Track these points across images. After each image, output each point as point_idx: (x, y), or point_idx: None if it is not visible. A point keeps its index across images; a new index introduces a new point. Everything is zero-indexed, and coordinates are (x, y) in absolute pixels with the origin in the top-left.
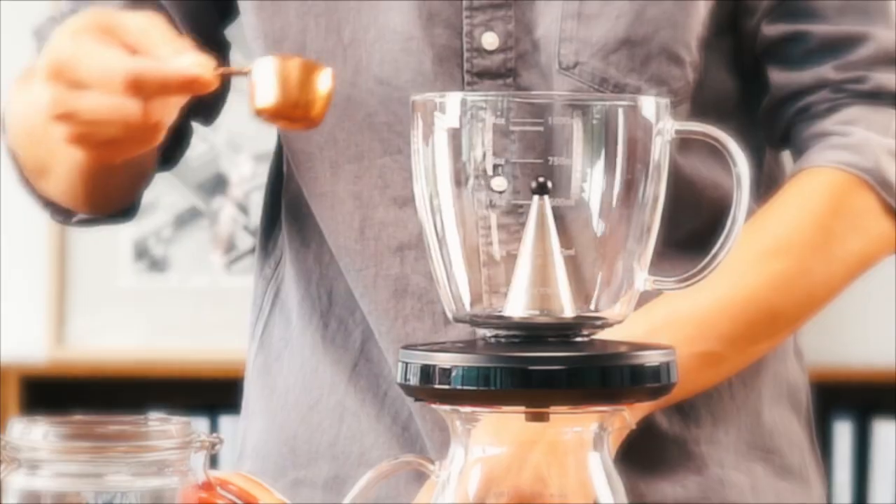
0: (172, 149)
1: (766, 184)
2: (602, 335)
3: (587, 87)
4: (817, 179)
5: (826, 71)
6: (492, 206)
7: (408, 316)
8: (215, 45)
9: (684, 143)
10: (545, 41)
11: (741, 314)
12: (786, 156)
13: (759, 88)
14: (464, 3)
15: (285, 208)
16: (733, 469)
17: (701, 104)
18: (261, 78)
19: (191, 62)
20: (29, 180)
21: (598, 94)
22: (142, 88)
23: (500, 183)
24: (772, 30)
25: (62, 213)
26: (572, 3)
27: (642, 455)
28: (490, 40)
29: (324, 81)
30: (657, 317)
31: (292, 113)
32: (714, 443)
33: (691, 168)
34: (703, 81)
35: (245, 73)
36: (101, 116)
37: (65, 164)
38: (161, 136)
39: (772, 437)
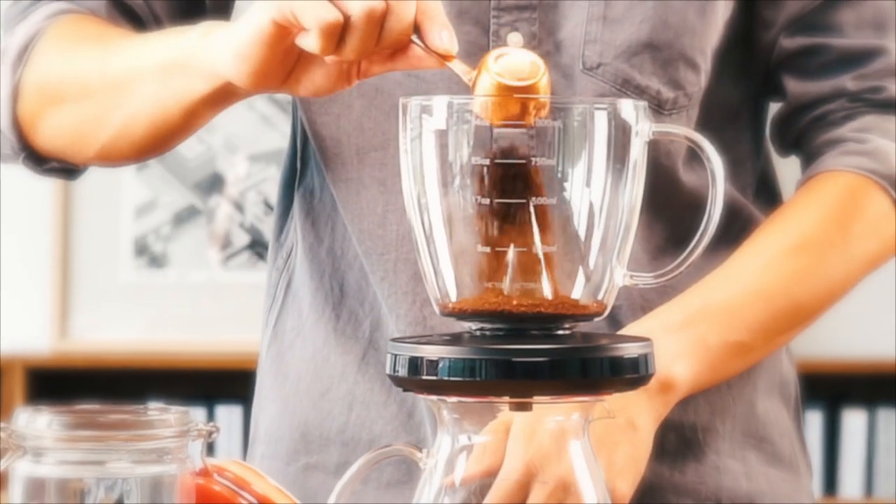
0: None
1: (760, 182)
2: (637, 322)
3: (609, 87)
4: (837, 182)
5: (844, 81)
6: (476, 205)
7: (425, 299)
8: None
9: (691, 157)
10: (568, 42)
11: (768, 306)
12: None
13: (767, 97)
14: (491, 3)
15: (298, 203)
16: (728, 456)
17: (707, 110)
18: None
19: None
20: (24, 115)
21: (580, 97)
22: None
23: (485, 182)
24: (791, 42)
25: (33, 157)
26: (597, 6)
27: None
28: (515, 40)
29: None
30: (692, 307)
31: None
32: (711, 431)
33: (695, 178)
34: (710, 91)
35: (468, 81)
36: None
37: (160, 106)
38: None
39: (764, 426)
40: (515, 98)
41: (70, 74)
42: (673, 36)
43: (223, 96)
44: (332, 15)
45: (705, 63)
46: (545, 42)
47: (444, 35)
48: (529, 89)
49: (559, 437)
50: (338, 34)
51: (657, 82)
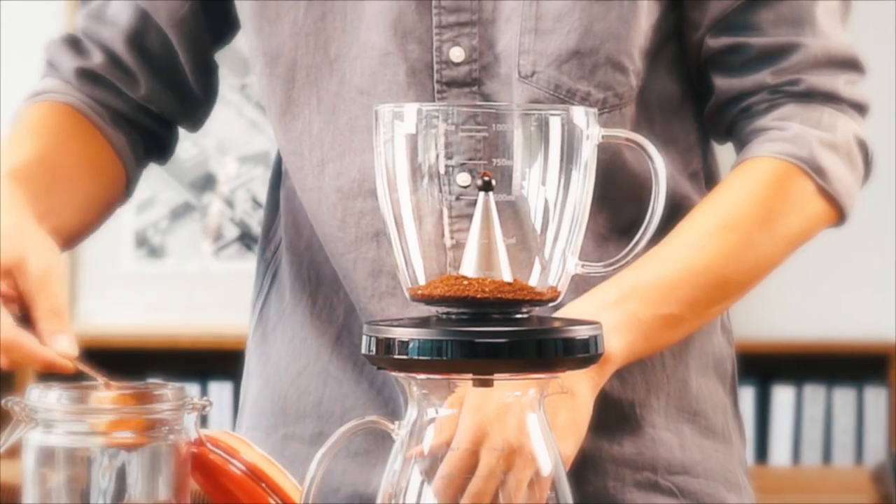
0: (163, 151)
1: (708, 171)
2: (576, 301)
3: (543, 92)
4: (761, 167)
5: (764, 76)
6: (443, 201)
7: (383, 293)
8: (206, 66)
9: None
10: (506, 54)
11: (697, 281)
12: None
13: (702, 91)
14: (433, 21)
15: (283, 202)
16: (664, 429)
17: (646, 106)
18: None
19: (60, 349)
20: None
21: (543, 100)
22: (9, 353)
23: (453, 181)
24: (715, 42)
25: None
26: (529, 21)
27: None
28: (457, 54)
29: None
30: (626, 284)
31: None
32: (647, 407)
33: (636, 165)
34: (647, 86)
35: (99, 383)
36: None
37: None
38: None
39: (698, 402)
40: None
41: None
42: (598, 42)
43: None
44: None
45: (633, 64)
46: (485, 54)
47: (50, 352)
48: None
49: (508, 408)
50: None
51: (586, 85)
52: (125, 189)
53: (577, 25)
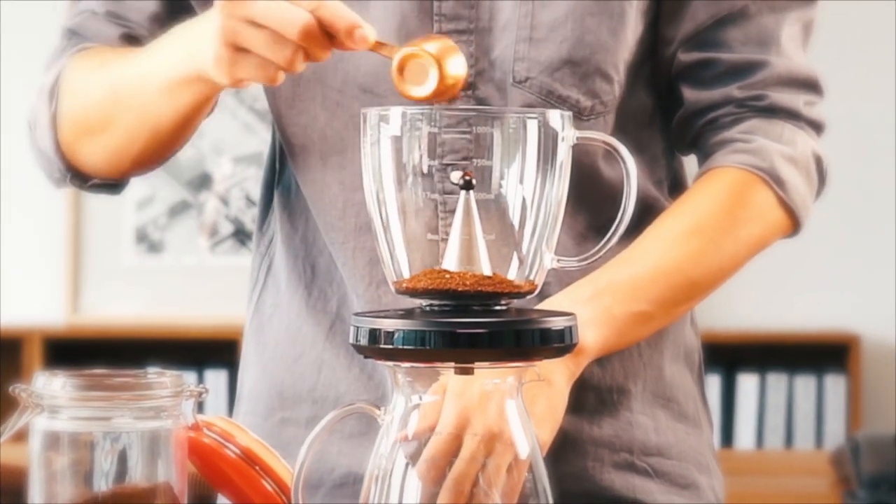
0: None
1: (672, 180)
2: (550, 299)
3: (536, 98)
4: (725, 176)
5: (732, 90)
6: (427, 199)
7: (380, 281)
8: None
9: (609, 154)
10: (500, 60)
11: (667, 281)
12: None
13: (670, 105)
14: (434, 28)
15: (277, 198)
16: (640, 413)
17: (623, 116)
18: (413, 69)
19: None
20: (64, 143)
21: (516, 106)
22: (320, 14)
23: (436, 181)
24: (687, 57)
25: (78, 177)
26: (525, 30)
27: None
28: None
29: (460, 65)
30: (600, 283)
31: (440, 98)
32: (625, 392)
33: (615, 173)
34: (625, 98)
35: (390, 57)
36: (270, 19)
37: (154, 113)
38: (280, 78)
39: (671, 388)
40: (427, 63)
41: (91, 107)
42: (589, 53)
43: (211, 95)
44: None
45: (618, 75)
46: (481, 60)
47: (356, 35)
48: (439, 57)
49: (489, 395)
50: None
51: (576, 93)
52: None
53: (569, 36)
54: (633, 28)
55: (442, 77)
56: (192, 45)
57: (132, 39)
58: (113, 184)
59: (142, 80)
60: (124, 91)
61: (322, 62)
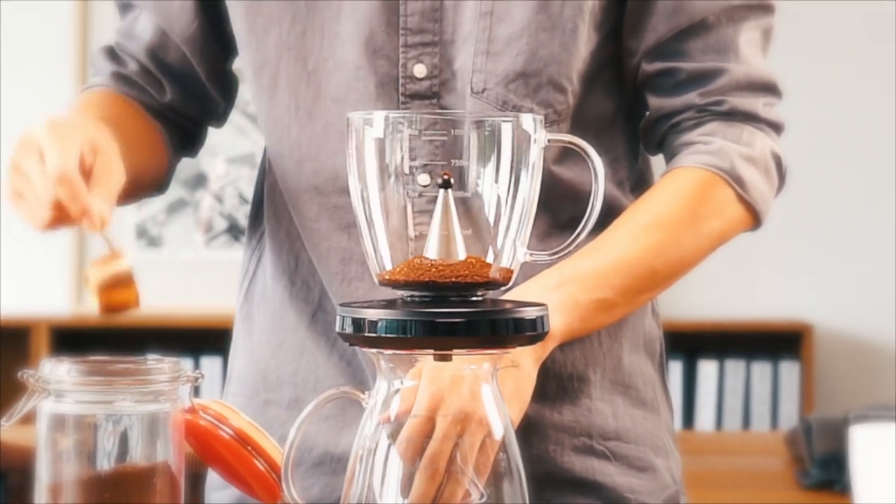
0: (193, 145)
1: (638, 178)
2: (518, 288)
3: (492, 107)
4: (687, 175)
5: (692, 97)
6: (408, 197)
7: (352, 278)
8: (223, 74)
9: (563, 156)
10: (461, 72)
11: (629, 271)
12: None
13: (637, 109)
14: (400, 41)
15: (266, 195)
16: (599, 400)
17: (582, 122)
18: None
19: (99, 208)
20: None
21: (491, 112)
22: (62, 184)
23: (417, 180)
24: (650, 67)
25: None
26: (483, 43)
27: None
28: (420, 70)
29: (125, 294)
30: (566, 272)
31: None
32: (585, 380)
33: (569, 174)
34: (583, 104)
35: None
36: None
37: None
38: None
39: (629, 376)
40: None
41: None
42: (542, 66)
43: None
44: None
45: (571, 86)
46: (444, 71)
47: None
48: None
49: (460, 379)
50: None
51: (530, 102)
52: (164, 175)
53: (524, 50)
54: (585, 42)
55: (105, 302)
56: None
57: (121, 78)
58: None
59: None
60: None
61: (293, 73)
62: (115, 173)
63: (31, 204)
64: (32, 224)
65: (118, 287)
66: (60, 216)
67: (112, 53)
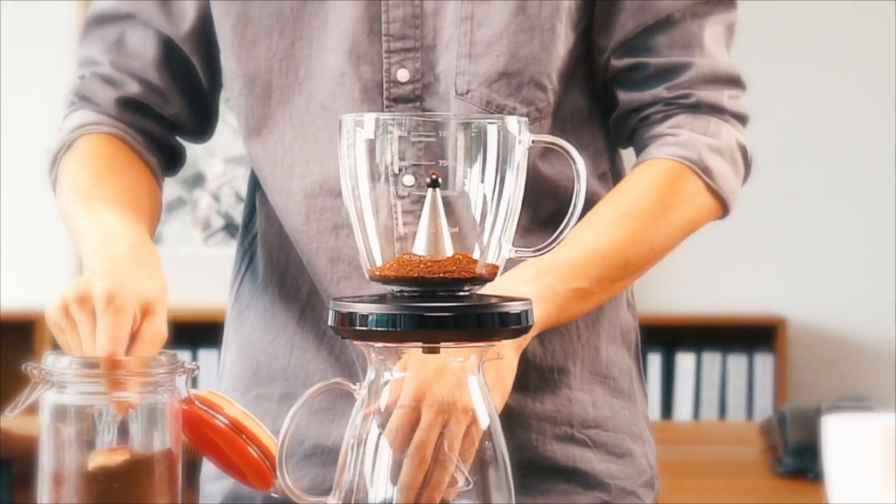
0: (175, 167)
1: (615, 172)
2: (497, 280)
3: (476, 108)
4: (657, 166)
5: (660, 91)
6: (397, 196)
7: (340, 277)
8: (206, 112)
9: (546, 152)
10: (444, 75)
11: (603, 261)
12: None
13: (608, 104)
14: (383, 47)
15: (258, 199)
16: (579, 390)
17: (560, 118)
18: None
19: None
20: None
21: (477, 114)
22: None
23: (406, 179)
24: (619, 62)
25: None
26: (465, 47)
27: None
28: (403, 75)
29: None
30: (542, 264)
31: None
32: (565, 371)
33: (551, 170)
34: (562, 101)
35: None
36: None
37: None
38: None
39: (607, 366)
40: None
41: (64, 206)
42: (522, 66)
43: None
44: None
45: (552, 84)
46: (426, 75)
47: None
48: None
49: (444, 370)
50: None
51: (512, 101)
52: (160, 212)
53: (504, 51)
54: (563, 41)
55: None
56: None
57: (125, 104)
58: None
59: (77, 241)
60: (73, 223)
61: (286, 82)
62: (157, 340)
63: (72, 347)
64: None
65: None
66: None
67: (107, 79)
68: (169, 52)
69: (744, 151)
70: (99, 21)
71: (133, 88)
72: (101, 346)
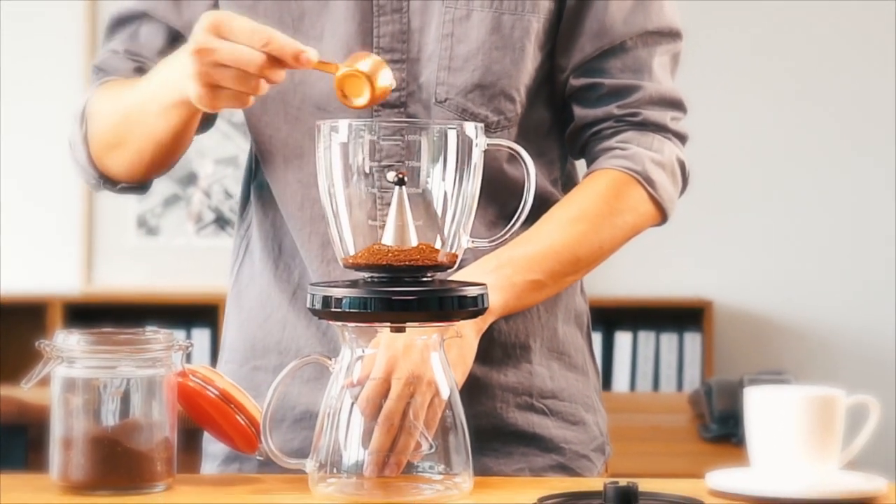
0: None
1: (565, 179)
2: (462, 270)
3: (453, 115)
4: (606, 176)
5: (612, 109)
6: (368, 192)
7: (330, 259)
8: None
9: (511, 158)
10: (426, 84)
11: (556, 257)
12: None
13: (565, 119)
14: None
15: (253, 191)
16: (538, 365)
17: (525, 127)
18: (351, 85)
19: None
20: (94, 157)
21: (438, 119)
22: (270, 49)
23: (376, 178)
24: (576, 82)
25: (109, 183)
26: (444, 60)
27: (479, 353)
28: None
29: (388, 78)
30: (503, 257)
31: (374, 103)
32: (526, 347)
33: (516, 173)
34: (528, 113)
35: (332, 73)
36: (232, 61)
37: (155, 131)
38: (251, 101)
39: (563, 344)
40: (358, 78)
41: (109, 129)
42: (495, 79)
43: (196, 114)
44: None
45: (520, 96)
46: (411, 84)
47: (301, 58)
48: (370, 74)
49: (411, 347)
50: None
51: (485, 110)
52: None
53: (479, 65)
54: (531, 59)
55: (373, 89)
56: (177, 78)
57: (143, 72)
58: (138, 186)
59: (143, 105)
60: (131, 115)
61: (283, 85)
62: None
63: (234, 80)
64: (238, 102)
65: (377, 75)
66: (271, 71)
67: (126, 55)
68: (175, 43)
69: (682, 167)
70: (119, 22)
71: (149, 64)
72: (252, 32)
